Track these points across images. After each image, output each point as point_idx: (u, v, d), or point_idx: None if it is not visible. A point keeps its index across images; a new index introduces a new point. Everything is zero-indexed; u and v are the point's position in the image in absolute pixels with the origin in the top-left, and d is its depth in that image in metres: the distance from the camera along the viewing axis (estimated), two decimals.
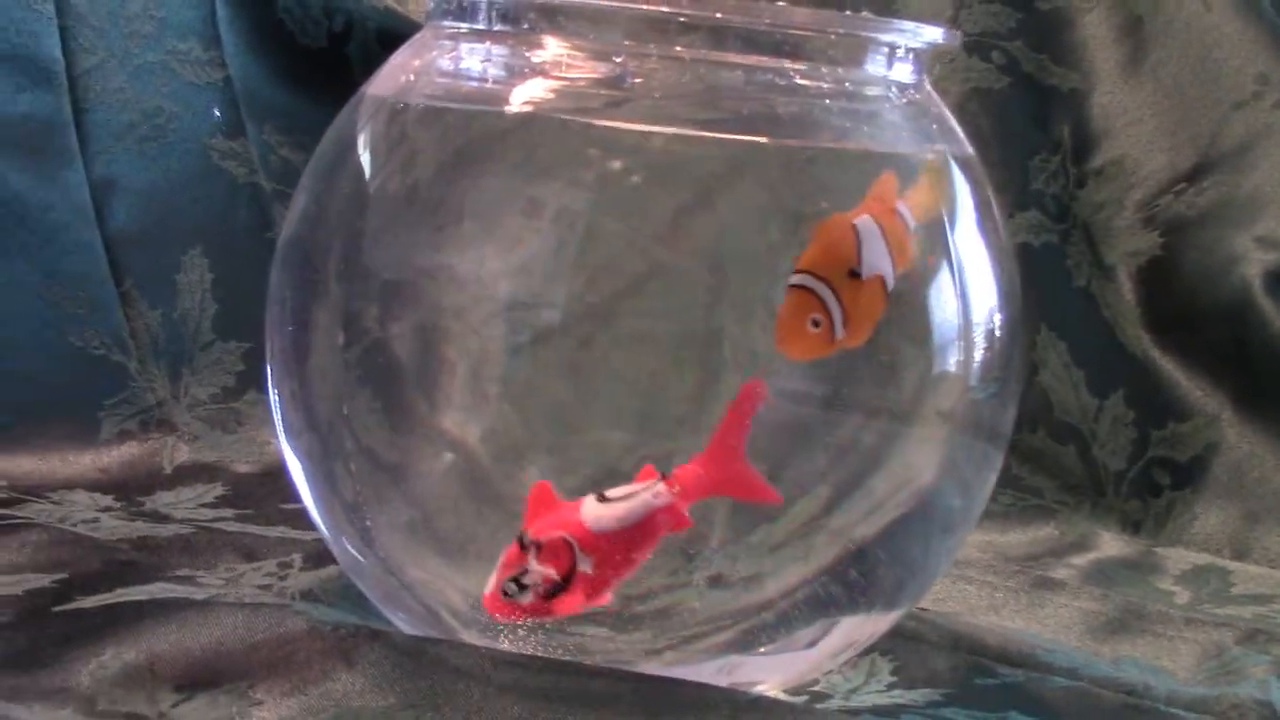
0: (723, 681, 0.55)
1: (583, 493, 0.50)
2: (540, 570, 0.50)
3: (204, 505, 0.74)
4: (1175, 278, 0.86)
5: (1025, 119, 0.89)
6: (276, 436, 0.60)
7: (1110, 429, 0.86)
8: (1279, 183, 0.85)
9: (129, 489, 0.75)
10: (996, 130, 0.88)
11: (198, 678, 0.53)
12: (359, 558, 0.57)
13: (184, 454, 0.80)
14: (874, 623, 0.57)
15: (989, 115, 0.88)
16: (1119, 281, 0.87)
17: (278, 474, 0.78)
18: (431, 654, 0.54)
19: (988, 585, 0.73)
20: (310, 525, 0.65)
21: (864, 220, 0.49)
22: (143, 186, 0.82)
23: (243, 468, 0.80)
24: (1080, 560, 0.79)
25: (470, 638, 0.55)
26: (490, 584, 0.50)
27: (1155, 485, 0.84)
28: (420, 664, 0.53)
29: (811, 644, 0.56)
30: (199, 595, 0.60)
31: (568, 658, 0.54)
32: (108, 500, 0.73)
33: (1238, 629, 0.69)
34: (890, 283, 0.50)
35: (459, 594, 0.55)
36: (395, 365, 0.54)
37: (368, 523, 0.56)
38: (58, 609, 0.59)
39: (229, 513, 0.73)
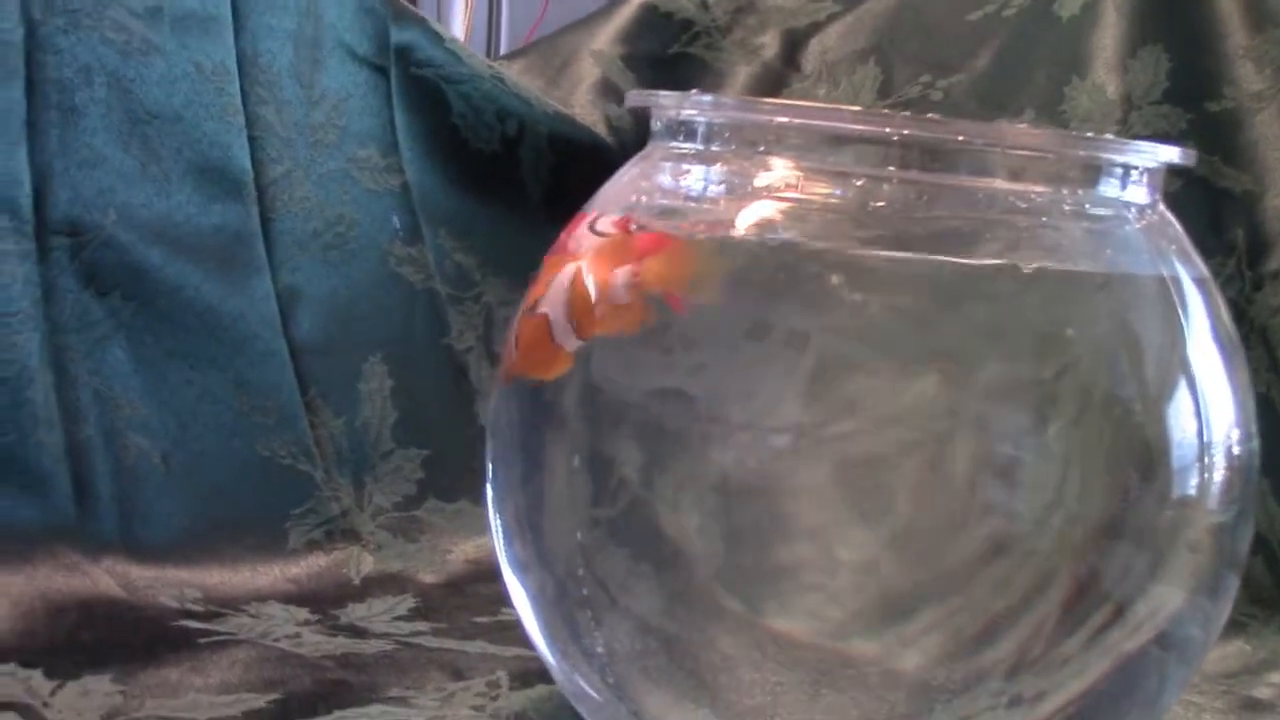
0: None
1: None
2: None
3: (398, 619, 0.73)
4: None
5: (1198, 222, 0.88)
6: (492, 557, 0.59)
7: None
8: None
9: (321, 600, 0.75)
10: None
11: None
12: (589, 690, 0.55)
13: (369, 564, 0.79)
14: None
15: None
16: None
17: (463, 584, 0.78)
18: None
19: (1194, 706, 0.71)
20: (511, 640, 0.65)
21: (571, 267, 0.52)
22: (325, 294, 0.83)
23: (428, 578, 0.79)
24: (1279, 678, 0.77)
25: None
26: None
27: None
28: None
29: None
30: (417, 718, 0.60)
31: None
32: (304, 613, 0.73)
33: None
34: (564, 338, 0.51)
35: None
36: (638, 502, 0.53)
37: (599, 649, 0.55)
38: None
39: (424, 626, 0.72)
